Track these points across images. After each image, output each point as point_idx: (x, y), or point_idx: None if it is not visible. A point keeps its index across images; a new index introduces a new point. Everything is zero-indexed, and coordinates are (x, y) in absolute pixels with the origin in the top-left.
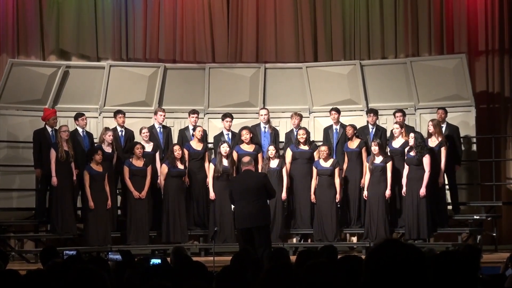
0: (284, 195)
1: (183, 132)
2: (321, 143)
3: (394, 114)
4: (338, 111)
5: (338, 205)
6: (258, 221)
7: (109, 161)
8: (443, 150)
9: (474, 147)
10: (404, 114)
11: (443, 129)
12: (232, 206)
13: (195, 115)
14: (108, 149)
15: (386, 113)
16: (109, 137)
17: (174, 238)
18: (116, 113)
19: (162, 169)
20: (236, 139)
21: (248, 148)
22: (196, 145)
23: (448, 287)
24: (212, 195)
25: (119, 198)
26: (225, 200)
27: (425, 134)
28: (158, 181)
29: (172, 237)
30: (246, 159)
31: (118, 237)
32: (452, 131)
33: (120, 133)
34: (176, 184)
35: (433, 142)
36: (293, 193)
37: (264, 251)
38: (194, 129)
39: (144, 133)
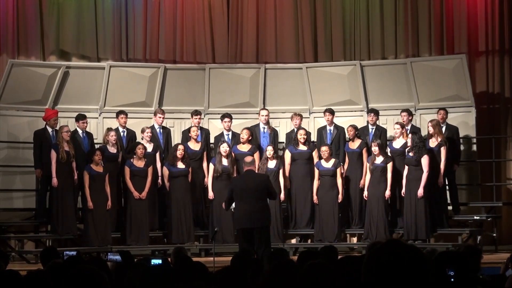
0: (282, 196)
1: (186, 133)
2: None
3: (400, 113)
4: (332, 113)
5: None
6: (259, 222)
7: (114, 161)
8: (442, 150)
9: (474, 148)
10: (409, 114)
11: (443, 129)
12: (232, 207)
13: (198, 116)
14: (112, 150)
15: (386, 114)
16: (112, 137)
17: (178, 239)
18: (118, 113)
19: (164, 172)
20: (236, 139)
21: (244, 148)
22: (194, 145)
23: (448, 287)
24: (210, 194)
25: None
26: (223, 200)
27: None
28: (159, 181)
29: (175, 237)
30: (248, 159)
31: (118, 237)
32: (452, 131)
33: (122, 134)
34: (179, 184)
35: (433, 142)
36: (292, 194)
37: (264, 251)
38: (189, 130)
39: (147, 133)
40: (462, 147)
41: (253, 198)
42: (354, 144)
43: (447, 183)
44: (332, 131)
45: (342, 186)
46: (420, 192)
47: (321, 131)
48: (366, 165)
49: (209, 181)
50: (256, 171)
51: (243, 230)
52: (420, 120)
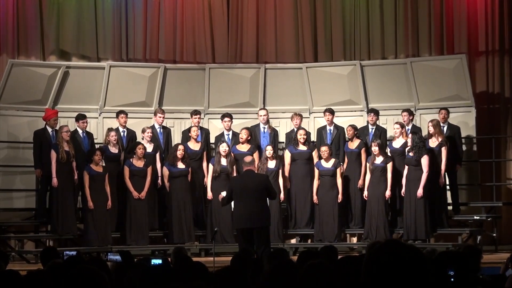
0: (282, 196)
1: (186, 133)
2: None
3: (401, 113)
4: (332, 112)
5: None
6: (258, 222)
7: (116, 161)
8: (443, 150)
9: (474, 148)
10: (410, 114)
11: (445, 129)
12: (232, 207)
13: (198, 116)
14: (114, 150)
15: (386, 114)
16: (112, 137)
17: (179, 239)
18: (118, 113)
19: (164, 172)
20: (236, 139)
21: (243, 148)
22: (194, 145)
23: (448, 287)
24: (209, 195)
25: None
26: None
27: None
28: (159, 181)
29: (176, 237)
30: (248, 159)
31: (118, 237)
32: (453, 131)
33: (122, 134)
34: (179, 184)
35: (433, 142)
36: (292, 194)
37: (263, 251)
38: (189, 130)
39: (148, 133)
40: (465, 147)
41: (253, 198)
42: (353, 144)
43: (448, 183)
44: (332, 131)
45: (342, 186)
46: (420, 192)
47: (321, 131)
48: (365, 166)
49: (208, 181)
50: (256, 171)
51: (242, 230)
52: (420, 120)
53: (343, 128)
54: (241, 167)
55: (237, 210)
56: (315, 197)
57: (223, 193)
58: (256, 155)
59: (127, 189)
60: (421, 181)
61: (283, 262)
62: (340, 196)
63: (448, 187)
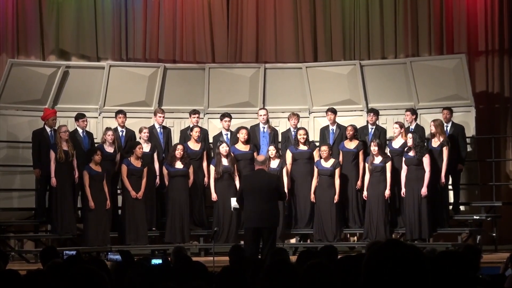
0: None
1: (184, 132)
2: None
3: (405, 112)
4: (334, 112)
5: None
6: (269, 222)
7: (111, 161)
8: (445, 150)
9: (474, 147)
10: (413, 113)
11: (448, 128)
12: (232, 206)
13: (196, 115)
14: (109, 149)
15: (386, 114)
16: (109, 136)
17: (171, 239)
18: (117, 113)
19: (164, 172)
20: (234, 139)
21: (244, 148)
22: (194, 145)
23: (448, 287)
24: (214, 196)
25: (119, 198)
26: (226, 200)
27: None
28: (157, 180)
29: (168, 237)
30: (260, 158)
31: (118, 237)
32: (457, 130)
33: (120, 133)
34: (177, 184)
35: (435, 142)
36: (294, 193)
37: (268, 251)
38: (191, 129)
39: (145, 133)
40: (469, 147)
41: (264, 198)
42: (351, 144)
43: (450, 182)
44: (334, 131)
45: (340, 187)
46: (424, 191)
47: (324, 130)
48: (363, 167)
49: (211, 183)
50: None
51: (252, 230)
52: (420, 120)
53: (346, 128)
54: (241, 167)
55: (247, 209)
56: (312, 196)
57: (233, 203)
58: (255, 154)
59: (124, 188)
60: (425, 180)
61: (278, 261)
62: (336, 196)
63: (450, 187)
